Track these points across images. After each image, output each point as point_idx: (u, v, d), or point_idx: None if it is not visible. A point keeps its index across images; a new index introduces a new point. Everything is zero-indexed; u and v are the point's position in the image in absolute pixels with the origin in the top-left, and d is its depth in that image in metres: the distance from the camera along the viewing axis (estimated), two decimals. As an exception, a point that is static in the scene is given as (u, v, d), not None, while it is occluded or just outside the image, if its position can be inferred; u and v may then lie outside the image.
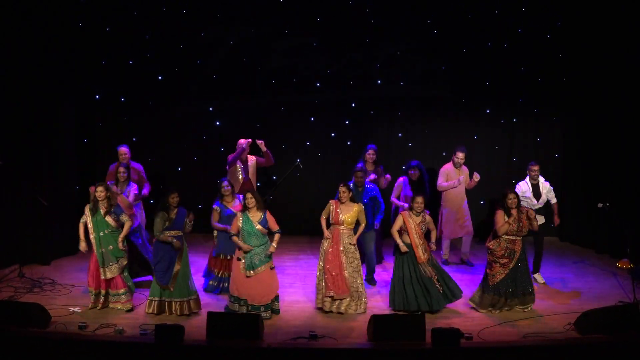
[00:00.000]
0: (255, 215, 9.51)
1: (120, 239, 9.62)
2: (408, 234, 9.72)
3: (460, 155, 11.84)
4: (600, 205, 10.57)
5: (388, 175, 11.75)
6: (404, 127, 14.06)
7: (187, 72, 13.58)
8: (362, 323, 9.00)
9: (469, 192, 12.31)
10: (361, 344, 8.51)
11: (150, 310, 9.48)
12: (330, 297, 9.60)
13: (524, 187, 11.14)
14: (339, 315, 9.55)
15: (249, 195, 9.55)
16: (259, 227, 9.46)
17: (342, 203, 9.75)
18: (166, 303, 9.50)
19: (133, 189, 10.83)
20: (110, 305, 9.68)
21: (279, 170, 13.24)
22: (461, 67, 13.66)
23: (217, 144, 13.69)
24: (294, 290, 10.59)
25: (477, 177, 11.77)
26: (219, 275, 10.44)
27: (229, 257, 10.27)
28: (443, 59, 13.68)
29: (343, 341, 8.56)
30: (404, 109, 14.00)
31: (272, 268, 9.56)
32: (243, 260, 9.42)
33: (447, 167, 11.95)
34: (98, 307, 9.61)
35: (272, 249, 9.50)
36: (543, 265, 11.49)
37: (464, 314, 9.67)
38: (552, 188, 11.27)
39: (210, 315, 8.44)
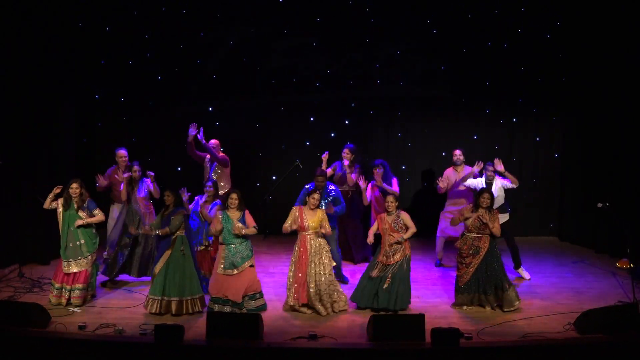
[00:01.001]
0: (235, 214, 9.58)
1: (79, 222, 9.67)
2: (381, 235, 9.82)
3: (457, 152, 11.83)
4: (600, 205, 10.57)
5: (361, 182, 11.47)
6: (403, 127, 14.07)
7: (187, 72, 13.59)
8: (362, 323, 9.00)
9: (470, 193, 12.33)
10: (361, 344, 8.51)
11: (153, 310, 9.47)
12: (291, 305, 9.63)
13: (476, 183, 11.23)
14: (338, 315, 9.55)
15: (234, 195, 9.60)
16: (238, 224, 9.48)
17: (311, 209, 9.70)
18: (165, 302, 9.49)
19: (147, 183, 10.93)
20: (62, 301, 9.66)
21: (279, 170, 13.24)
22: (461, 67, 13.67)
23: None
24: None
25: (477, 167, 11.46)
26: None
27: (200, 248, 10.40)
28: (443, 59, 13.69)
29: (343, 341, 8.56)
30: (404, 109, 14.01)
31: (251, 266, 9.60)
32: (222, 261, 9.47)
33: (446, 172, 11.91)
34: (61, 303, 9.62)
35: (238, 226, 9.43)
36: (542, 265, 11.51)
37: (464, 314, 9.67)
38: (506, 182, 11.23)
39: (210, 315, 8.45)
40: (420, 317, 8.49)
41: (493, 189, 11.06)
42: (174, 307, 9.45)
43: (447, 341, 8.14)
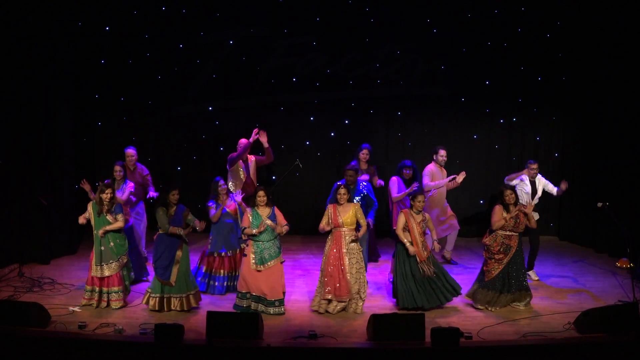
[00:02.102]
0: (264, 211, 9.63)
1: (102, 231, 9.63)
2: (410, 233, 9.74)
3: (443, 152, 11.87)
4: (599, 204, 10.58)
5: (381, 181, 11.74)
6: (403, 127, 14.07)
7: (187, 71, 13.59)
8: (362, 322, 9.00)
9: (468, 192, 12.35)
10: (361, 343, 8.51)
11: (152, 307, 9.51)
12: (327, 299, 9.62)
13: (519, 182, 11.19)
14: (338, 315, 9.55)
15: (261, 192, 9.66)
16: (268, 221, 9.54)
17: (340, 205, 9.75)
18: (165, 299, 9.54)
19: (129, 186, 10.87)
20: (102, 304, 9.71)
21: (279, 170, 13.25)
22: (461, 66, 13.67)
23: (217, 143, 13.70)
24: (293, 290, 10.58)
25: (461, 177, 11.66)
26: (207, 272, 10.50)
27: (218, 255, 10.46)
28: (443, 58, 13.68)
29: (343, 341, 8.56)
30: (403, 109, 14.01)
31: (282, 262, 9.68)
32: (253, 256, 9.51)
33: (431, 167, 11.93)
34: (94, 305, 9.64)
35: (278, 227, 9.58)
36: (542, 264, 11.51)
37: (464, 313, 9.67)
38: (547, 181, 11.33)
39: (210, 314, 8.43)
40: (420, 317, 8.49)
41: (537, 187, 11.19)
42: (174, 303, 9.54)
43: (447, 341, 8.14)
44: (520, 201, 10.71)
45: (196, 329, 8.80)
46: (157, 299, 9.53)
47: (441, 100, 13.85)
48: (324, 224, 9.72)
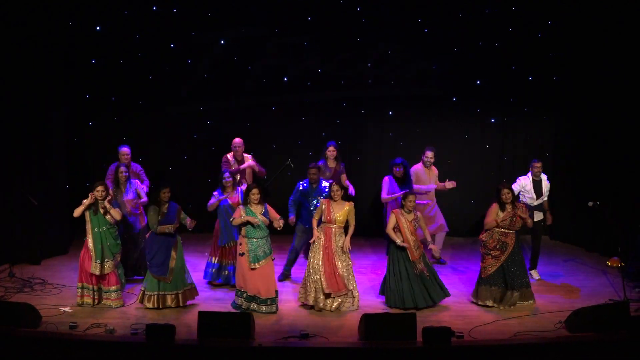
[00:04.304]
0: (257, 208, 9.68)
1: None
2: (401, 232, 9.76)
3: (430, 154, 11.89)
4: (590, 203, 10.62)
5: (351, 189, 11.58)
6: (394, 126, 14.07)
7: (178, 71, 13.55)
8: (353, 322, 9.00)
9: (458, 192, 12.36)
10: (352, 343, 8.52)
11: (148, 305, 9.54)
12: (327, 294, 9.64)
13: (524, 182, 11.21)
14: (330, 314, 9.56)
15: (255, 190, 9.70)
16: (262, 217, 9.61)
17: (335, 201, 9.78)
18: (161, 297, 9.60)
19: (138, 186, 10.94)
20: (103, 302, 9.72)
21: (270, 170, 13.22)
22: (452, 66, 13.67)
23: (208, 143, 13.69)
24: (285, 289, 10.57)
25: (450, 184, 11.71)
26: (219, 263, 10.65)
27: (228, 245, 10.58)
28: (434, 58, 13.68)
29: (334, 340, 8.56)
30: (395, 108, 14.01)
31: (273, 259, 9.74)
32: (247, 254, 9.56)
33: (417, 167, 11.94)
34: (91, 303, 9.64)
35: (276, 222, 9.69)
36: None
37: (456, 312, 9.69)
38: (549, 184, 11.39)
39: (202, 314, 8.44)
40: (412, 316, 8.51)
41: (543, 187, 11.23)
42: (169, 300, 9.62)
43: (439, 340, 8.16)
44: (522, 199, 10.83)
45: (187, 329, 8.77)
46: (155, 297, 9.58)
47: (432, 100, 13.85)
48: (316, 219, 9.86)
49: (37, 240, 11.69)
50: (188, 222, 9.84)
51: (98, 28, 13.13)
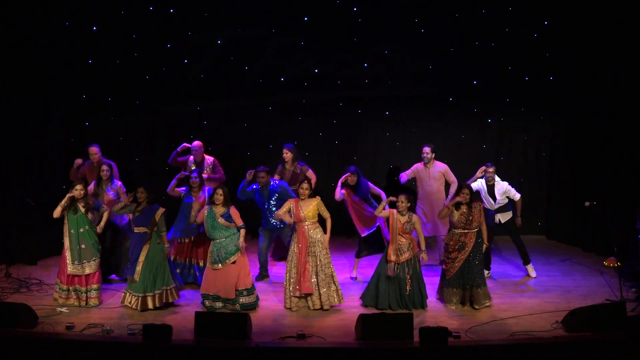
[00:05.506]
0: (219, 210, 9.68)
1: (99, 228, 9.78)
2: (389, 230, 9.82)
3: (426, 150, 11.82)
4: (587, 203, 10.62)
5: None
6: (391, 127, 14.07)
7: (175, 71, 13.53)
8: (350, 322, 9.00)
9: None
10: (349, 343, 8.52)
11: (132, 305, 9.57)
12: (296, 296, 9.68)
13: (477, 186, 11.22)
14: (327, 315, 9.55)
15: (219, 191, 9.71)
16: (220, 220, 9.63)
17: (302, 200, 9.81)
18: (142, 298, 9.57)
19: (120, 185, 10.90)
20: (82, 303, 9.70)
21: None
22: (449, 66, 13.66)
23: (205, 143, 13.63)
24: (282, 290, 10.54)
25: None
26: (180, 262, 10.71)
27: (184, 241, 10.66)
28: (431, 58, 13.68)
29: (331, 341, 8.56)
30: (392, 109, 14.01)
31: (234, 262, 9.62)
32: (210, 255, 9.64)
33: (417, 166, 11.97)
34: (74, 304, 9.65)
35: (241, 244, 9.61)
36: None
37: (452, 312, 9.69)
38: (510, 187, 11.32)
39: (199, 314, 8.44)
40: (409, 316, 8.52)
41: (496, 191, 11.19)
42: (150, 302, 9.58)
43: (435, 340, 8.16)
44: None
45: (184, 329, 8.76)
46: (140, 298, 9.55)
47: (429, 100, 13.84)
48: (281, 212, 9.86)
49: (33, 241, 11.69)
50: (162, 237, 9.74)
51: (95, 28, 13.11)
